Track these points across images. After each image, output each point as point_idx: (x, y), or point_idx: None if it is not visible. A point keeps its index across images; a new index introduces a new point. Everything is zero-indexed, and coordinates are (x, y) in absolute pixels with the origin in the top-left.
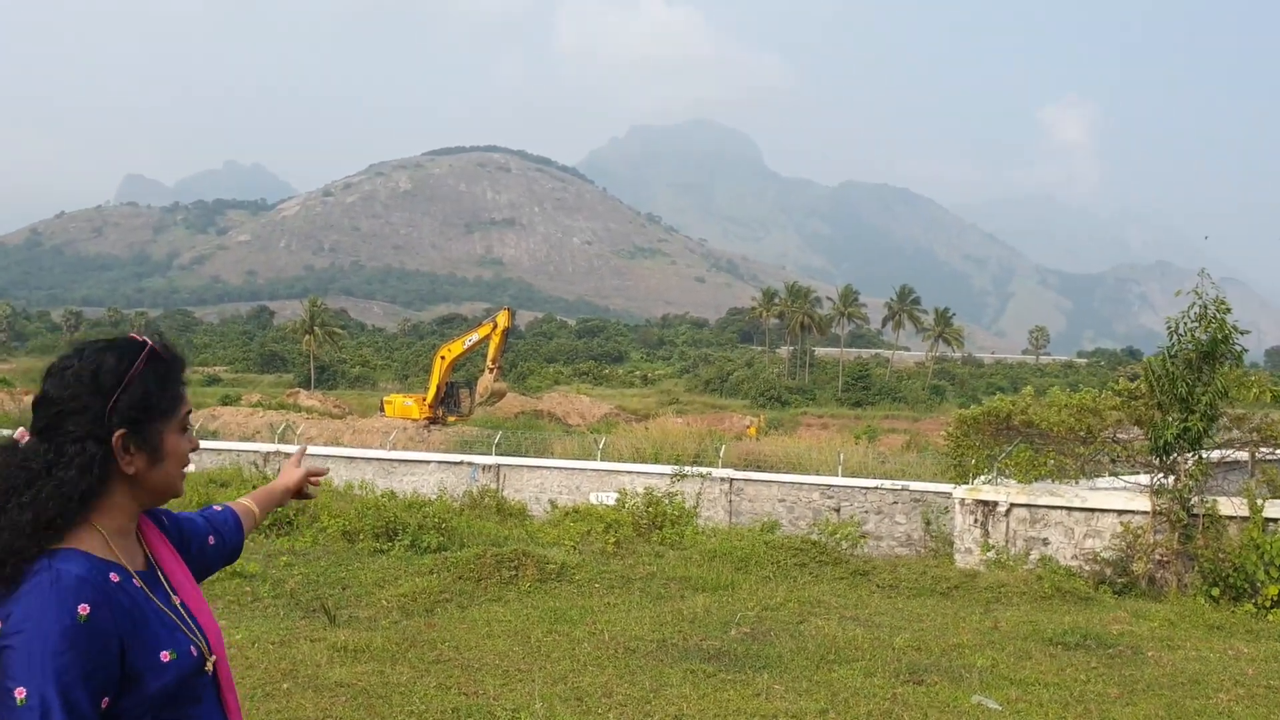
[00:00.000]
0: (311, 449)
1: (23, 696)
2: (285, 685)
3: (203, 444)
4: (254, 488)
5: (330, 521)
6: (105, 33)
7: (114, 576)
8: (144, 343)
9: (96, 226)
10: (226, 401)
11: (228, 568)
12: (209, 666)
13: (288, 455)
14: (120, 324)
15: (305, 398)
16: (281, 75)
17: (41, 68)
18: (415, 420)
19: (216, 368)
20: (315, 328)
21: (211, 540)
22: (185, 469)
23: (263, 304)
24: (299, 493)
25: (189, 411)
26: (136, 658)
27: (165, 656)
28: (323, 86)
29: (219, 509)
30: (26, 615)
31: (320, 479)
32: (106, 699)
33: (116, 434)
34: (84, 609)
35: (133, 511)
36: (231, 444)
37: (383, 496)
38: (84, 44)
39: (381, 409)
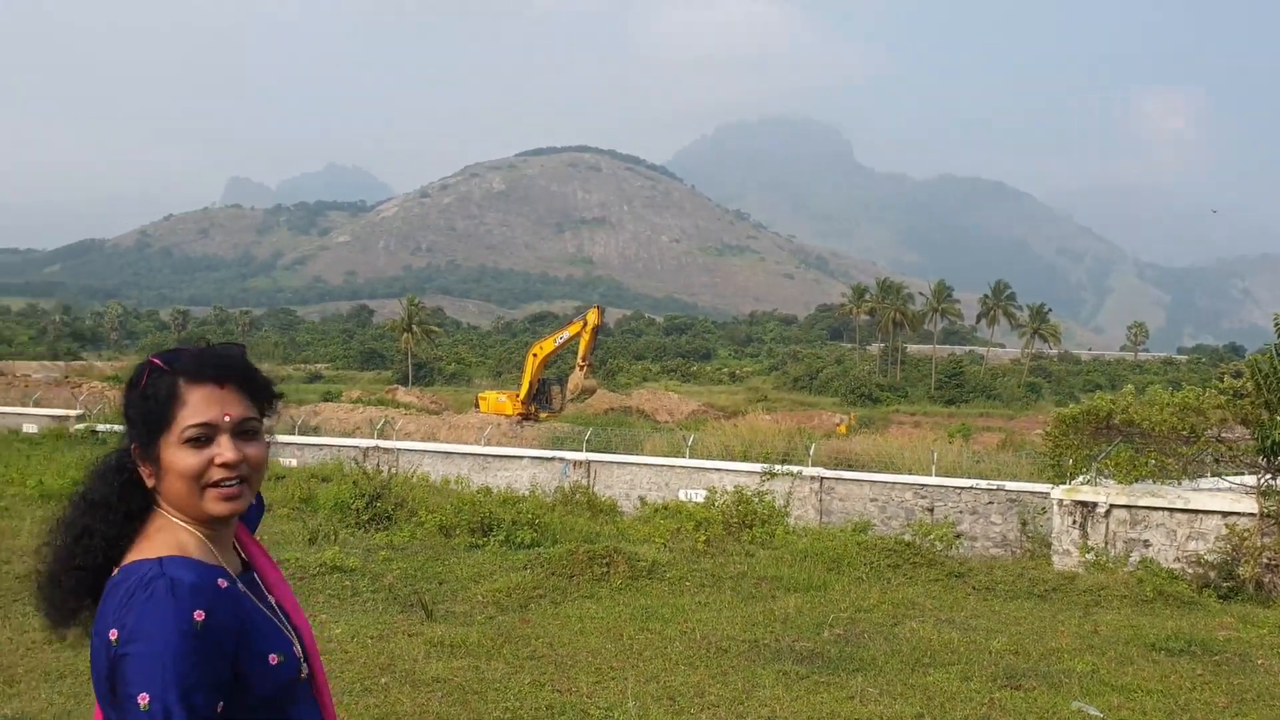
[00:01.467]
0: (408, 444)
1: (146, 702)
2: (383, 680)
3: (305, 440)
4: (354, 483)
5: (427, 517)
6: (210, 40)
7: (221, 582)
8: (147, 361)
9: (203, 228)
10: (328, 398)
11: (328, 563)
12: (304, 672)
13: (386, 450)
14: (226, 323)
15: (403, 394)
16: (380, 78)
17: (150, 74)
18: (508, 416)
19: (318, 365)
20: (413, 326)
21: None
22: (209, 486)
23: (362, 303)
24: None
25: (202, 426)
26: (246, 661)
27: (273, 659)
28: (420, 89)
29: None
30: (144, 623)
31: None
32: (221, 703)
33: (132, 448)
34: (200, 615)
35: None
36: (332, 440)
37: (478, 492)
38: (190, 51)
39: (476, 405)
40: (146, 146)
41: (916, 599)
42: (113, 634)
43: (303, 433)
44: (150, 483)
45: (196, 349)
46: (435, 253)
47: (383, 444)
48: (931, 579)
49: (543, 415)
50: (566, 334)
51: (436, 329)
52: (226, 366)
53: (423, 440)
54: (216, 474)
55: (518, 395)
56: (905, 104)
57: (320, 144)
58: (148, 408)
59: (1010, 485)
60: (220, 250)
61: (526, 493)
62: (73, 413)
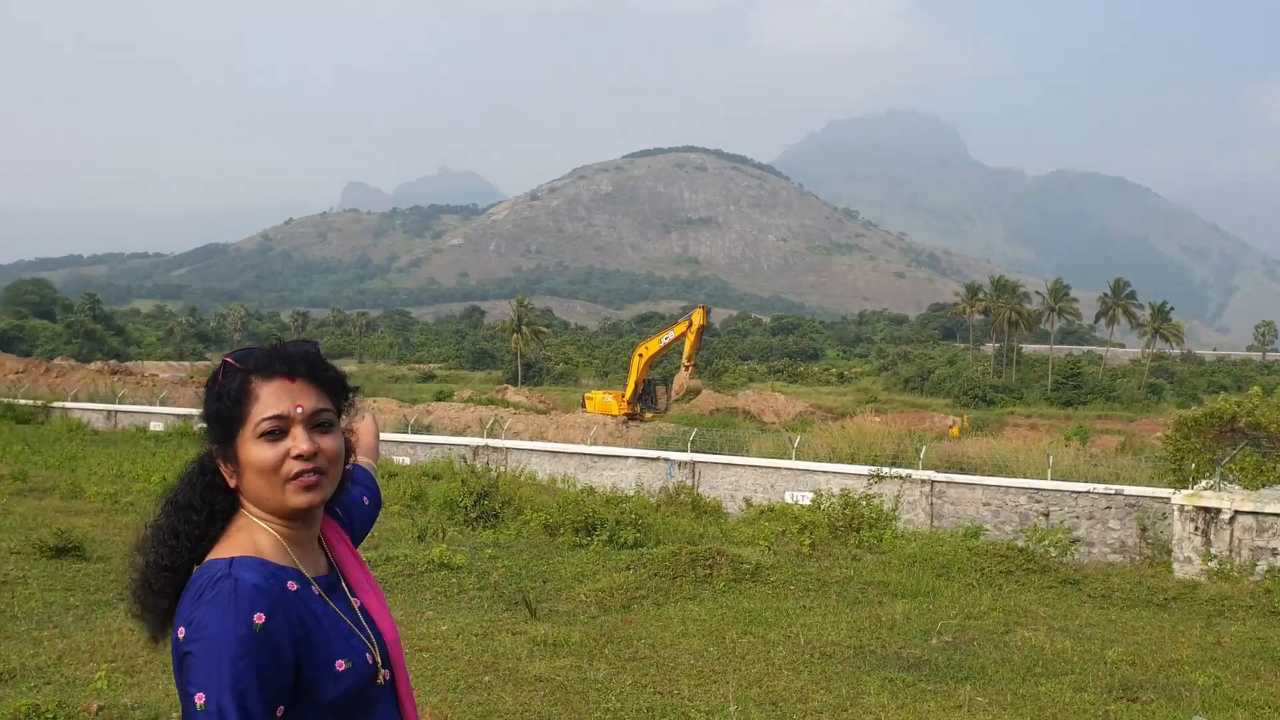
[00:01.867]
0: (517, 443)
1: (202, 702)
2: (487, 678)
3: (417, 439)
4: (462, 481)
5: (533, 515)
6: (324, 50)
7: (291, 585)
8: (223, 361)
9: (321, 232)
10: (440, 397)
11: (436, 560)
12: (381, 679)
13: (495, 449)
14: (343, 324)
15: (513, 393)
16: (490, 83)
17: (271, 82)
18: (614, 416)
19: (431, 365)
20: (522, 326)
21: (366, 501)
22: (288, 480)
23: (474, 304)
24: None
25: (275, 419)
26: (311, 666)
27: (340, 665)
28: (529, 93)
29: (350, 467)
30: (206, 623)
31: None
32: (281, 708)
33: (212, 449)
34: (259, 618)
35: (293, 521)
36: (444, 438)
37: (582, 492)
38: (309, 59)
39: (583, 405)
40: (268, 154)
41: (1029, 606)
42: (181, 631)
43: (415, 431)
44: (232, 482)
45: (268, 346)
46: (544, 254)
47: (492, 443)
48: (1045, 586)
49: (648, 415)
50: (672, 334)
51: (545, 329)
52: (296, 361)
53: (530, 439)
54: (294, 466)
55: (623, 395)
56: (1020, 98)
57: (434, 149)
58: (223, 406)
59: (1129, 490)
60: (338, 253)
61: (631, 492)
62: (196, 411)
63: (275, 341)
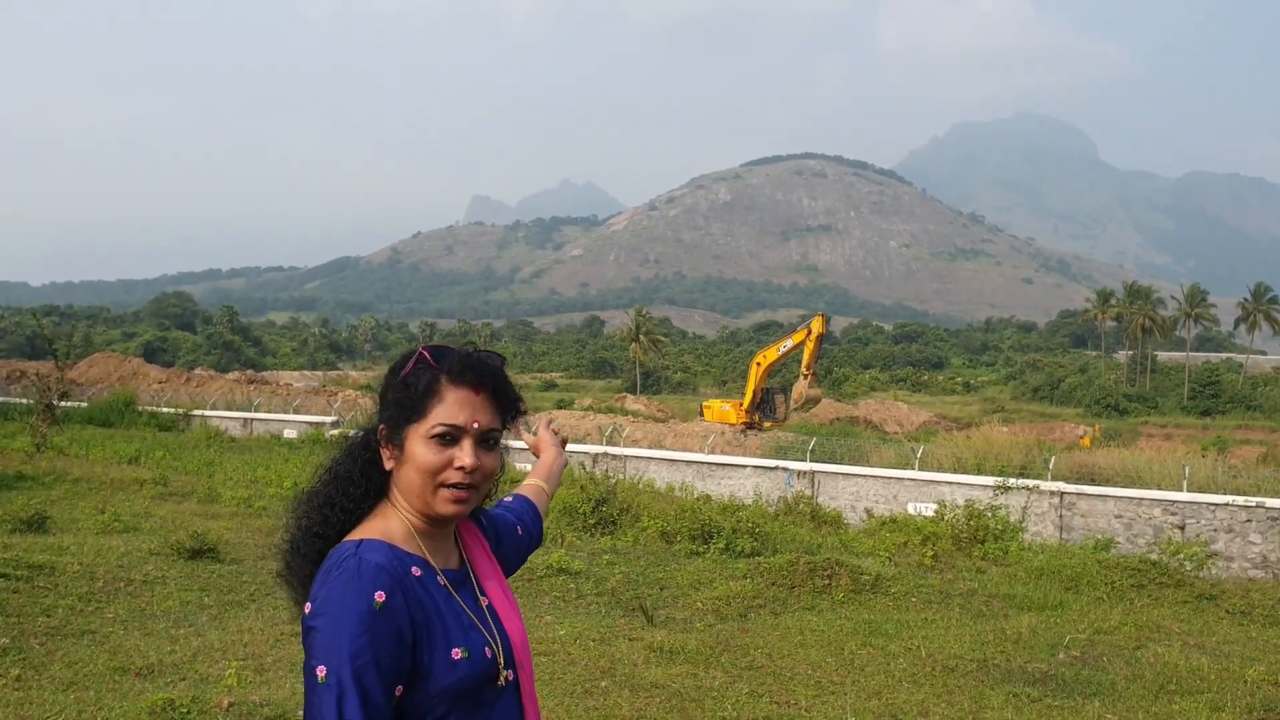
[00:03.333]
0: (635, 450)
1: (323, 675)
2: (603, 683)
3: None
4: (581, 488)
5: (650, 522)
6: (453, 67)
7: (415, 570)
8: (416, 350)
9: (448, 245)
10: (561, 405)
11: (555, 565)
12: (503, 679)
13: (614, 457)
14: (468, 334)
15: (631, 402)
16: (611, 97)
17: (399, 101)
18: (732, 425)
19: (553, 374)
20: (641, 336)
21: (519, 531)
22: (443, 486)
23: (594, 314)
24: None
25: (451, 427)
26: (427, 651)
27: (457, 654)
28: (648, 104)
29: (511, 499)
30: (330, 599)
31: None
32: (400, 688)
33: (380, 428)
34: (380, 596)
35: (433, 519)
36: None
37: (699, 500)
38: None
39: (701, 414)
40: (396, 167)
41: (1162, 621)
42: (307, 606)
43: None
44: (389, 465)
45: (463, 351)
46: (662, 264)
47: (611, 450)
48: (1180, 601)
49: (766, 424)
50: (790, 343)
51: (663, 339)
52: (486, 374)
53: (649, 447)
54: (453, 476)
55: (741, 404)
56: (1151, 98)
57: (555, 162)
58: (406, 394)
59: (1271, 502)
60: (464, 265)
61: (749, 501)
62: (328, 419)
63: (470, 347)
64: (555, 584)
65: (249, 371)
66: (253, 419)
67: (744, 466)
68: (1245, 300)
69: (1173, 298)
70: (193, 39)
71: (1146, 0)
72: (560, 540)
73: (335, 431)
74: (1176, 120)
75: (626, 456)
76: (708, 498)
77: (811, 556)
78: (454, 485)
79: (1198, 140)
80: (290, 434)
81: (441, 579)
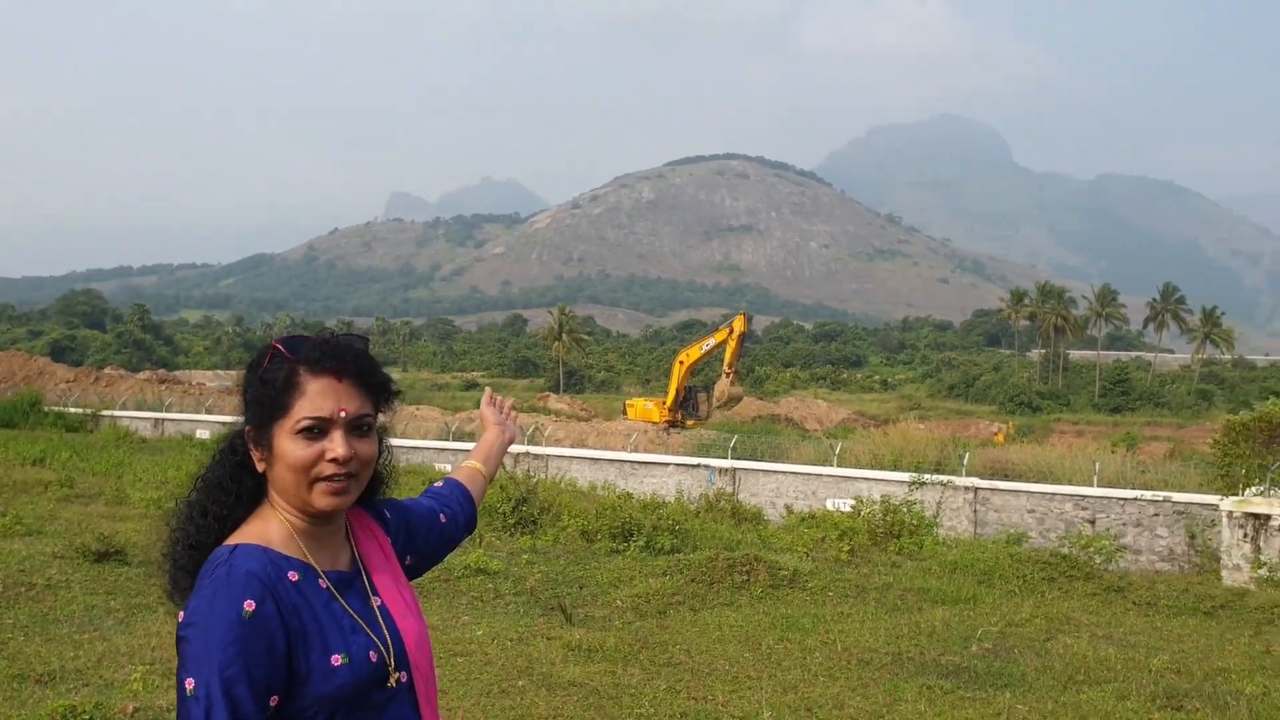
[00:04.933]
0: (557, 450)
1: (191, 687)
2: (520, 683)
3: (458, 445)
4: (501, 488)
5: (571, 521)
6: (371, 62)
7: (292, 575)
8: (271, 345)
9: (366, 241)
10: None
11: (473, 565)
12: (394, 680)
13: (536, 456)
14: (387, 332)
15: (555, 401)
16: (534, 94)
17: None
18: (655, 423)
19: (474, 373)
20: (564, 334)
21: (443, 518)
22: (317, 480)
23: (516, 312)
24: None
25: (316, 419)
26: (304, 659)
27: (336, 660)
28: (571, 103)
29: (441, 484)
30: (199, 608)
31: (512, 410)
32: (275, 698)
33: (246, 429)
34: (249, 604)
35: (314, 517)
36: None
37: (619, 497)
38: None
39: (624, 412)
40: (314, 163)
41: (1072, 614)
42: (181, 615)
43: (457, 439)
44: (261, 467)
45: (320, 338)
46: (586, 262)
47: (533, 450)
48: (1089, 593)
49: (689, 422)
50: (713, 341)
51: (587, 337)
52: (347, 360)
53: (572, 446)
54: (327, 469)
55: (665, 402)
56: (1065, 102)
57: (476, 158)
58: (265, 392)
59: (1177, 497)
60: (382, 262)
61: (672, 499)
62: (242, 419)
63: (327, 333)
64: (473, 584)
65: (161, 371)
66: (164, 419)
67: (666, 464)
68: (1154, 300)
69: (1084, 297)
70: (104, 28)
71: (1061, 8)
72: (479, 540)
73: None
74: (1089, 124)
75: (548, 456)
76: (629, 496)
77: (731, 553)
78: (329, 478)
79: (1110, 144)
80: (203, 434)
81: (323, 581)
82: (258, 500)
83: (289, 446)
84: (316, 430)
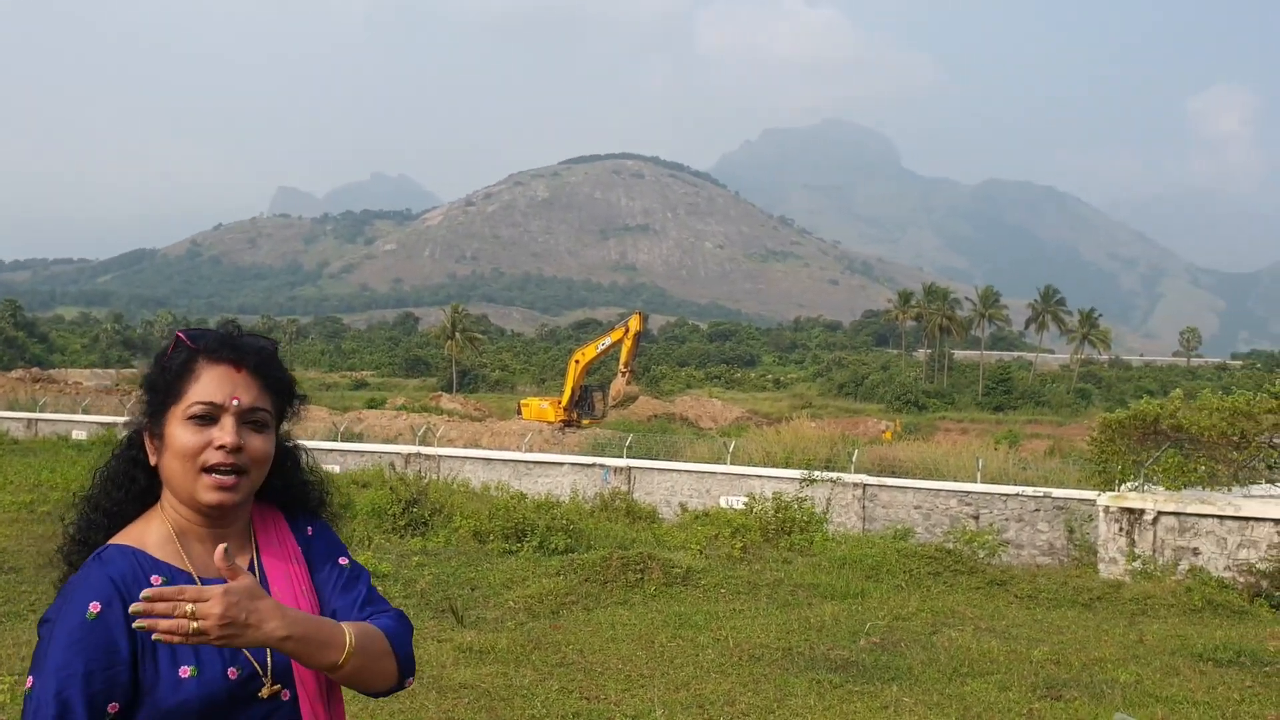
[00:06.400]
0: (450, 450)
1: (30, 686)
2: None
3: (347, 446)
4: (391, 489)
5: (463, 522)
6: (257, 52)
7: (155, 579)
8: (175, 335)
9: (251, 237)
10: (372, 405)
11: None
12: (267, 693)
13: (427, 457)
14: (273, 331)
15: (447, 401)
16: (427, 88)
17: (199, 85)
18: (551, 423)
19: (364, 373)
20: (457, 333)
21: (341, 582)
22: (203, 470)
23: (408, 311)
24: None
25: (208, 405)
26: (149, 668)
27: (185, 672)
28: (463, 98)
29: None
30: (56, 606)
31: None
32: (115, 705)
33: (143, 422)
34: (95, 607)
35: (203, 515)
36: (375, 446)
37: (512, 498)
38: (237, 63)
39: (519, 412)
40: (195, 156)
41: (956, 607)
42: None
43: (345, 439)
44: (154, 459)
45: (224, 331)
46: (480, 260)
47: (424, 450)
48: (973, 587)
49: (585, 422)
50: (609, 340)
51: (480, 336)
52: (247, 351)
53: (465, 447)
54: (213, 457)
55: (560, 402)
56: (952, 109)
57: (366, 153)
58: (161, 378)
59: (1057, 492)
60: (268, 259)
61: (567, 499)
62: (121, 419)
63: (234, 328)
64: None
65: (34, 369)
66: (38, 419)
67: (561, 464)
68: (1035, 302)
69: (968, 299)
70: None
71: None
72: (368, 542)
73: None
74: (975, 131)
75: (440, 456)
76: (523, 496)
77: (625, 551)
78: (217, 469)
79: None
80: (79, 435)
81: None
82: (151, 500)
83: (179, 432)
84: (208, 418)
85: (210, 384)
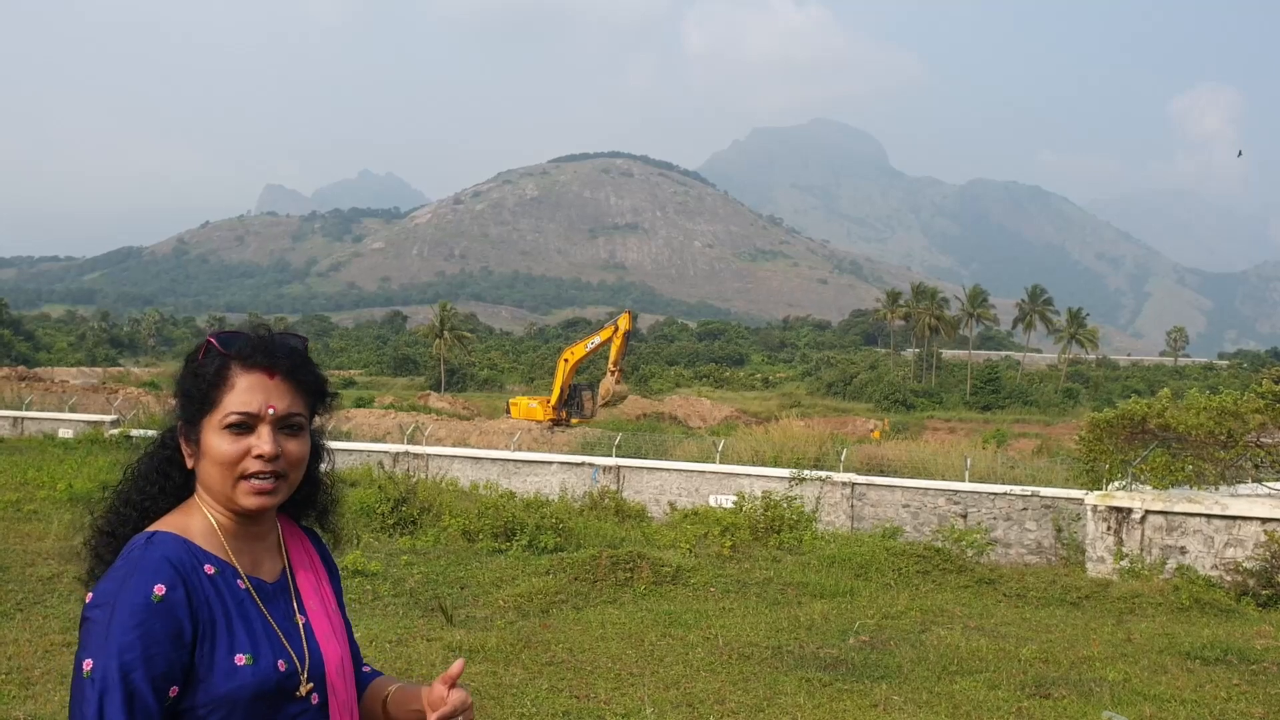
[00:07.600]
0: (438, 449)
1: (89, 669)
2: None
3: (335, 445)
4: (379, 488)
5: (451, 521)
6: (246, 50)
7: (209, 569)
8: (207, 338)
9: (239, 235)
10: (360, 404)
11: (350, 567)
12: (303, 691)
13: (416, 456)
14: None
15: (435, 400)
16: (415, 87)
17: (187, 83)
18: (539, 422)
19: (352, 371)
20: (445, 332)
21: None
22: (243, 477)
23: (396, 309)
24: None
25: (244, 415)
26: (207, 653)
27: (240, 660)
28: (453, 96)
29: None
30: (108, 590)
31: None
32: (175, 689)
33: (178, 424)
34: (160, 589)
35: (240, 516)
36: (363, 445)
37: (502, 497)
38: (226, 61)
39: (507, 411)
40: (183, 154)
41: (945, 606)
42: (88, 596)
43: (333, 438)
44: (190, 463)
45: (256, 334)
46: (468, 259)
47: (413, 449)
48: (961, 585)
49: (574, 421)
50: (598, 339)
51: (469, 335)
52: (280, 356)
53: (453, 446)
54: (252, 465)
55: (549, 401)
56: (939, 109)
57: (354, 151)
58: (196, 386)
59: (1045, 491)
60: (256, 257)
61: (555, 498)
62: (108, 418)
63: (264, 330)
64: (350, 586)
65: (20, 368)
66: (24, 418)
67: (550, 463)
68: (1022, 301)
69: (956, 298)
70: None
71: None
72: (356, 541)
73: (115, 431)
74: (962, 130)
75: (429, 455)
76: (512, 495)
77: (614, 550)
78: (256, 476)
79: (981, 149)
80: (66, 433)
81: (242, 582)
82: (183, 496)
83: (216, 442)
84: (244, 426)
85: (245, 393)
